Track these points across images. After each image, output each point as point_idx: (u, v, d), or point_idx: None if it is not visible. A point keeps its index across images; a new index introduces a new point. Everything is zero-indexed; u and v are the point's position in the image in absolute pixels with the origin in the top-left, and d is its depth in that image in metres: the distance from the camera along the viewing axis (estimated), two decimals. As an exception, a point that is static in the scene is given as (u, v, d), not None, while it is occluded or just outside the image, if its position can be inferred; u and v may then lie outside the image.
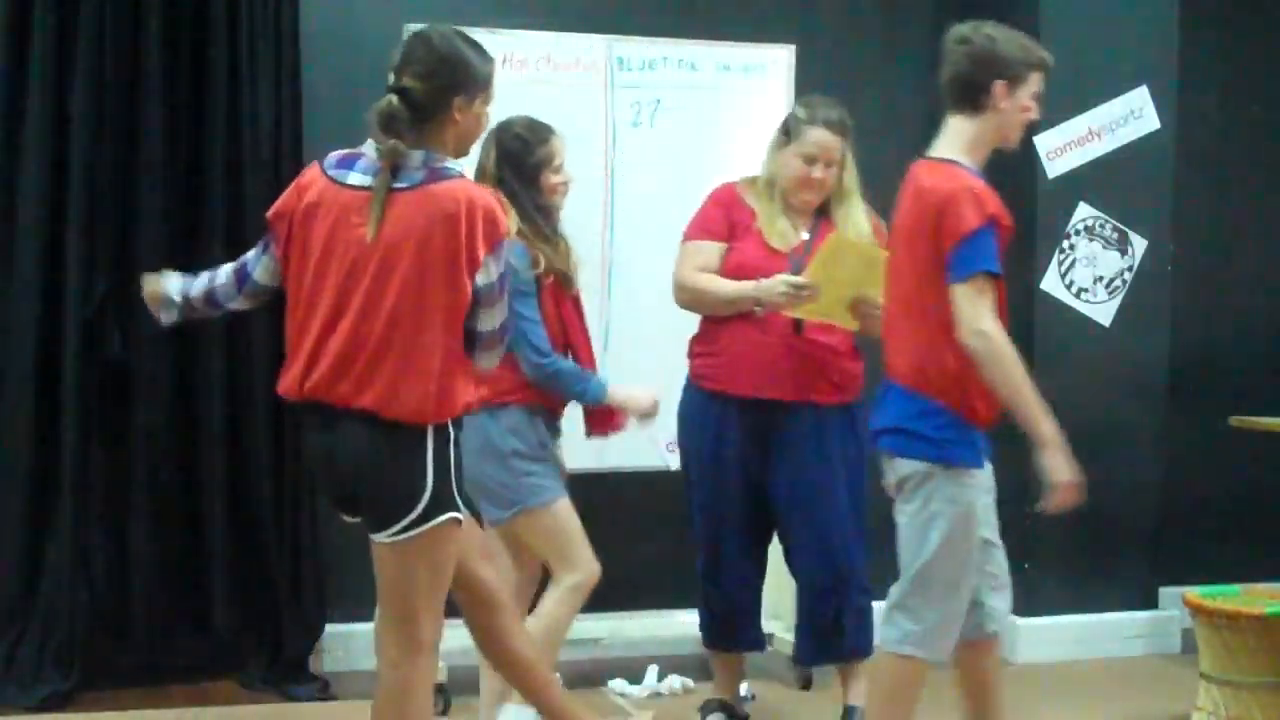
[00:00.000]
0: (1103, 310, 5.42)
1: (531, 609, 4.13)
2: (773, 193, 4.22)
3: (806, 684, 4.98)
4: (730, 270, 4.17)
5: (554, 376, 3.97)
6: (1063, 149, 5.33)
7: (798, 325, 4.12)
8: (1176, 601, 4.78)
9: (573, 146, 4.18)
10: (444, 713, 4.61)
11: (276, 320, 4.86)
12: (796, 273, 4.05)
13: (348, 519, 3.30)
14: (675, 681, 4.95)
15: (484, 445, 3.90)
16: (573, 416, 4.17)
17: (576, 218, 4.22)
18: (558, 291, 4.04)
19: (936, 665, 3.62)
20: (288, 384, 3.20)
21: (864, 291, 4.02)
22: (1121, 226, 5.43)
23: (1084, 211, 5.39)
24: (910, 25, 5.71)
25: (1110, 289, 5.42)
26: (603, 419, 4.15)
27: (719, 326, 4.21)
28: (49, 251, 4.76)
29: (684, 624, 4.85)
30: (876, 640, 3.63)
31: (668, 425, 4.40)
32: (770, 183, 4.24)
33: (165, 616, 4.91)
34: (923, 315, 3.48)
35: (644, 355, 4.65)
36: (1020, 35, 3.59)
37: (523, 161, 4.03)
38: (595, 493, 4.32)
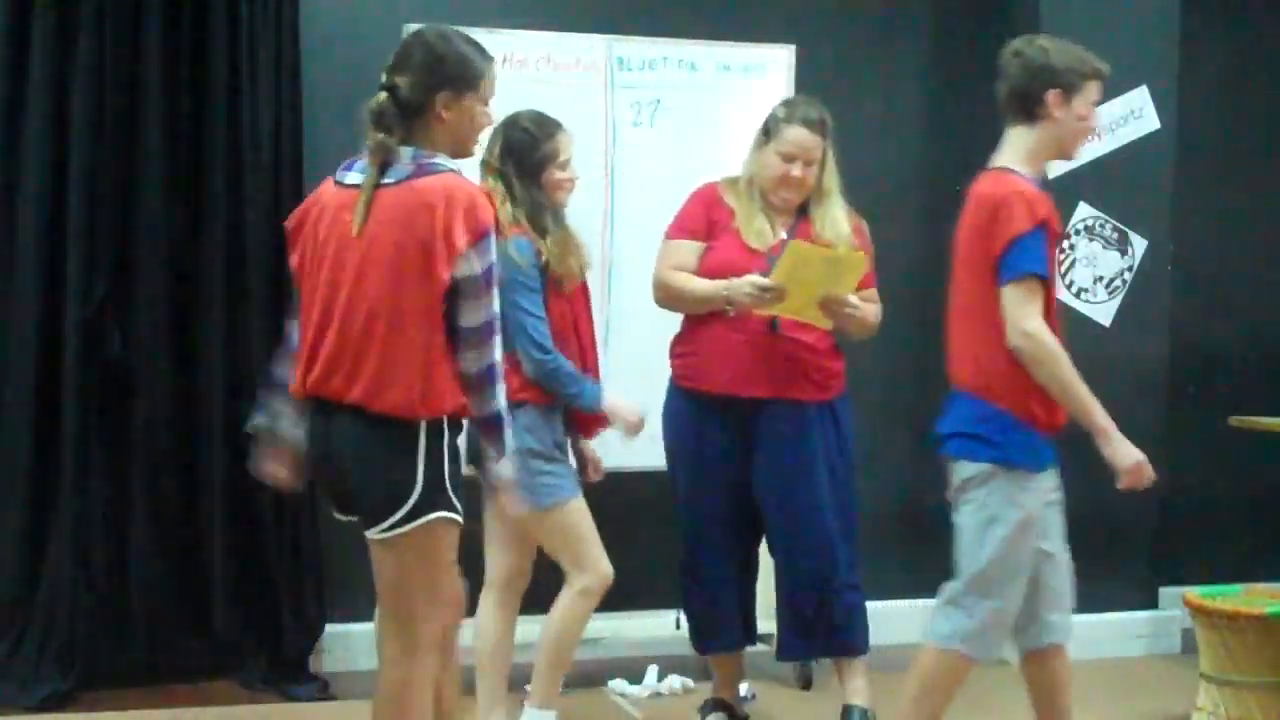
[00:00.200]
0: (1103, 310, 5.42)
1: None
2: (752, 192, 4.24)
3: (806, 684, 4.98)
4: (708, 269, 4.19)
5: (553, 374, 3.97)
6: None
7: (772, 323, 4.14)
8: (1176, 601, 4.79)
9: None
10: (444, 713, 4.61)
11: (276, 320, 4.90)
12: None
13: (341, 518, 3.30)
14: (675, 681, 4.95)
15: None
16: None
17: (576, 218, 4.22)
18: (558, 288, 4.03)
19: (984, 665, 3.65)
20: (294, 382, 3.24)
21: (833, 291, 4.05)
22: (1121, 226, 5.43)
23: (1084, 211, 5.40)
24: (910, 26, 5.71)
25: (1110, 289, 5.43)
26: (590, 421, 4.16)
27: (698, 326, 4.23)
28: (49, 252, 4.77)
29: (685, 624, 4.85)
30: (935, 635, 3.62)
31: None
32: (750, 182, 4.26)
33: (165, 616, 4.91)
34: (981, 320, 3.54)
35: (643, 355, 4.65)
36: (1075, 46, 3.64)
37: (527, 156, 4.02)
38: (595, 492, 4.31)
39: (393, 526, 3.10)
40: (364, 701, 3.43)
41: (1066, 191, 5.36)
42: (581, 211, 4.36)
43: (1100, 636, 5.41)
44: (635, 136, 5.00)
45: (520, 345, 3.90)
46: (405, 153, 3.13)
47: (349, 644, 5.04)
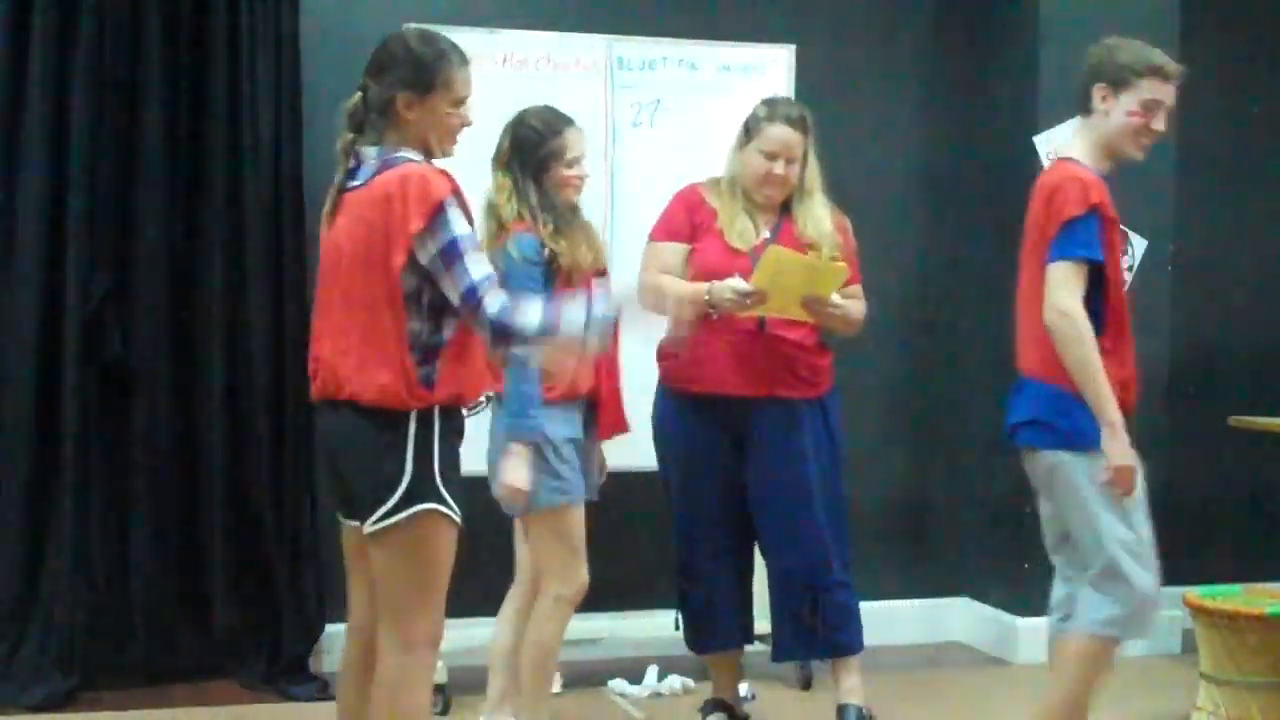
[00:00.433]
0: (1103, 310, 5.42)
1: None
2: (735, 192, 4.25)
3: (807, 684, 4.98)
4: (693, 271, 4.19)
5: (517, 375, 3.81)
6: (1063, 149, 5.31)
7: (760, 322, 4.14)
8: (1176, 601, 4.78)
9: (573, 146, 4.18)
10: (444, 713, 4.61)
11: (277, 320, 4.91)
12: None
13: (346, 521, 3.31)
14: (675, 681, 4.95)
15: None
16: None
17: (577, 217, 4.22)
18: (568, 283, 4.00)
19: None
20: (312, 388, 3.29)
21: (814, 291, 4.07)
22: (1121, 227, 5.42)
23: (1084, 211, 5.39)
24: (909, 26, 5.71)
25: (1110, 289, 5.42)
26: (607, 424, 4.14)
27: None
28: (49, 251, 4.77)
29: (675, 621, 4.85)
30: (1089, 622, 3.62)
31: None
32: (732, 182, 4.26)
33: (165, 616, 4.91)
34: (1042, 305, 3.59)
35: (643, 355, 4.64)
36: (1143, 45, 3.68)
37: (532, 153, 4.00)
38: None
39: (382, 519, 3.10)
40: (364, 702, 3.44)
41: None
42: (582, 211, 4.36)
43: (1100, 636, 5.41)
44: (635, 136, 5.00)
45: None
46: (371, 152, 3.18)
47: (349, 644, 5.03)
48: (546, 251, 3.92)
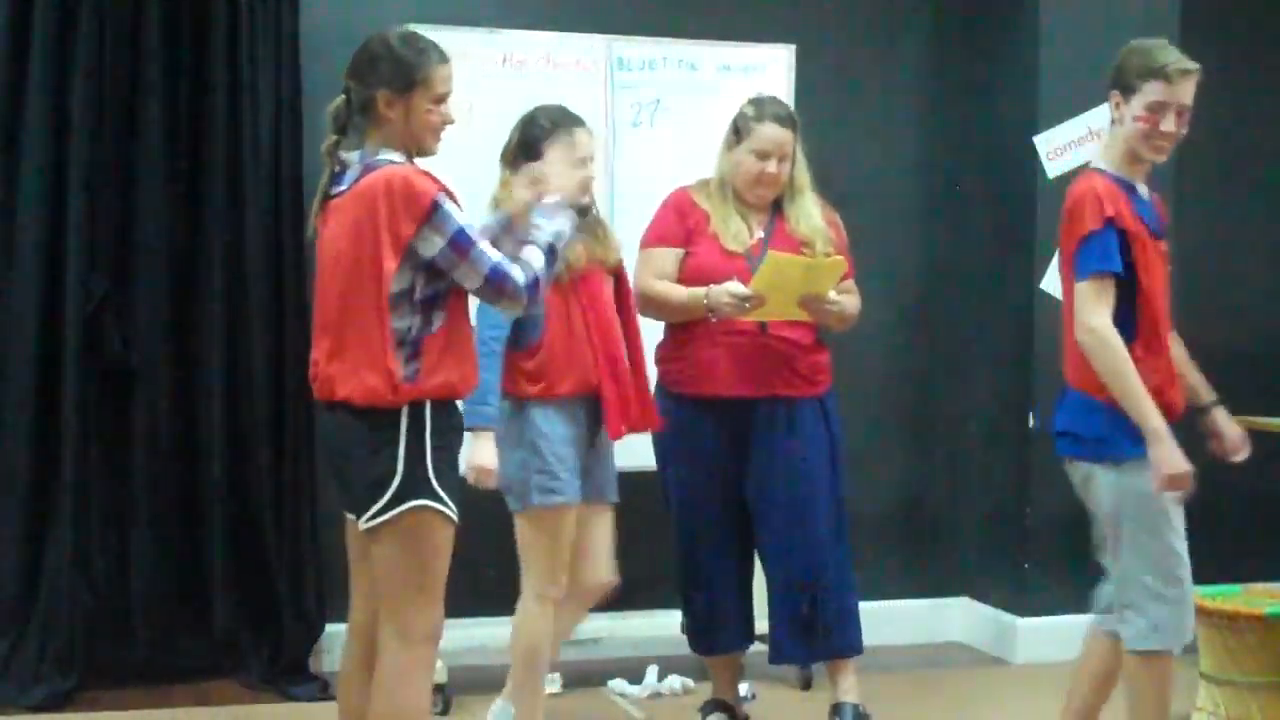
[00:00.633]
0: (1102, 310, 5.41)
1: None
2: (725, 194, 4.25)
3: (807, 684, 4.98)
4: (689, 274, 4.19)
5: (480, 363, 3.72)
6: (1063, 149, 5.32)
7: (762, 324, 4.14)
8: (1176, 601, 4.79)
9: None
10: (444, 713, 4.61)
11: (277, 320, 4.91)
12: (754, 272, 4.07)
13: (349, 517, 3.33)
14: (675, 681, 4.95)
15: (507, 435, 3.91)
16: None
17: (577, 218, 4.21)
18: (574, 286, 3.98)
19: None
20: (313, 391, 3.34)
21: (813, 289, 4.08)
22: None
23: (1084, 211, 5.39)
24: (910, 26, 5.71)
25: (1110, 289, 5.42)
26: (639, 419, 4.11)
27: (684, 330, 4.23)
28: (49, 251, 4.77)
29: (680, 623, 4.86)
30: (1129, 642, 3.65)
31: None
32: (723, 184, 4.26)
33: (165, 616, 4.91)
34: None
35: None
36: (1156, 47, 3.66)
37: (538, 150, 3.98)
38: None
39: (375, 515, 3.14)
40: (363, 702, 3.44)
41: (1066, 191, 5.36)
42: (595, 209, 4.36)
43: (1100, 636, 5.41)
44: (635, 136, 5.00)
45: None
46: (354, 157, 3.23)
47: (349, 644, 5.03)
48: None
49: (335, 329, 3.18)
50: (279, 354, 4.90)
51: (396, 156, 3.21)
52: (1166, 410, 3.58)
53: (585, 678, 4.94)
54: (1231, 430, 3.86)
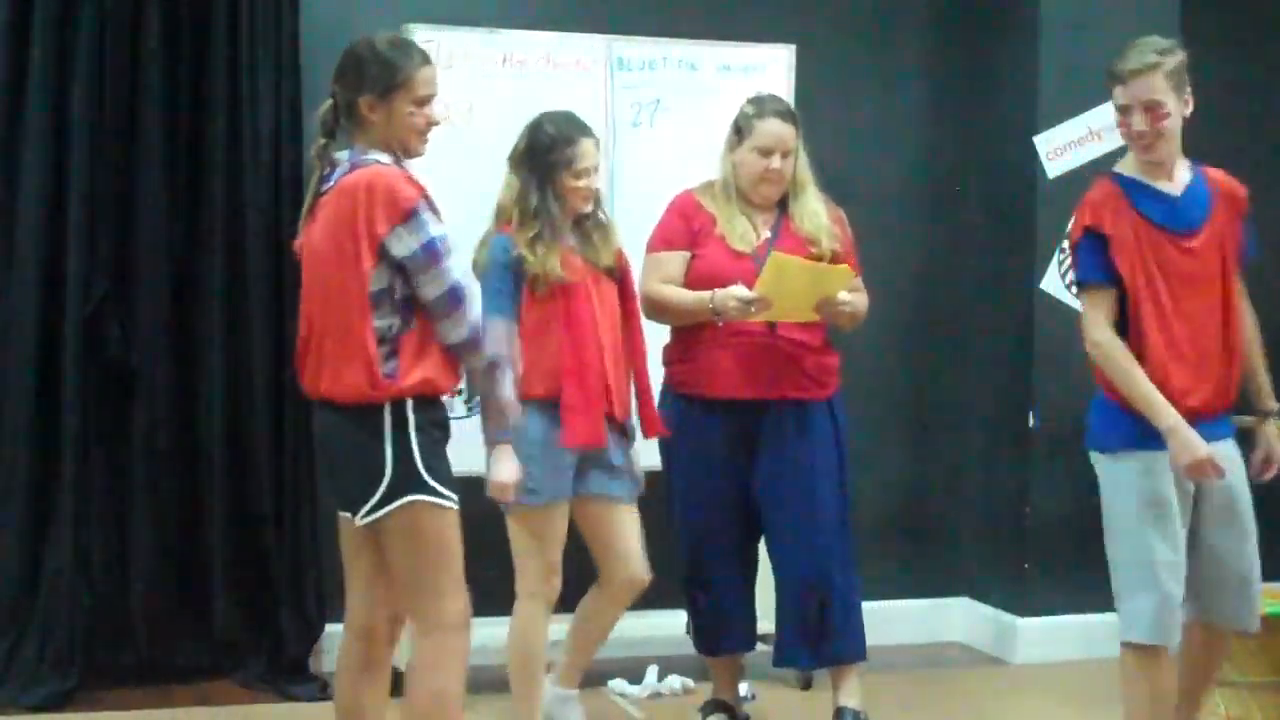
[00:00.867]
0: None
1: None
2: (730, 195, 4.25)
3: (807, 684, 4.98)
4: (697, 277, 4.19)
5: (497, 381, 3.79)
6: (1063, 149, 5.33)
7: (772, 324, 4.14)
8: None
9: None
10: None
11: (276, 320, 4.91)
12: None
13: (344, 515, 3.35)
14: (675, 681, 4.95)
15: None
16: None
17: (577, 218, 4.21)
18: (533, 289, 3.97)
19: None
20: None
21: (821, 292, 4.07)
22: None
23: (1084, 211, 5.39)
24: (909, 26, 5.71)
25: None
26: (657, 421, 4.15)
27: (692, 332, 4.22)
28: (49, 252, 4.77)
29: (684, 624, 4.85)
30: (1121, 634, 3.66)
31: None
32: (726, 185, 4.26)
33: (165, 616, 4.91)
34: None
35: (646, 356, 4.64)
36: (1129, 45, 3.72)
37: (541, 158, 4.00)
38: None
39: (369, 512, 3.18)
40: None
41: (1066, 191, 5.36)
42: (603, 213, 4.36)
43: (1100, 636, 5.38)
44: (635, 136, 5.00)
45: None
46: (343, 155, 3.26)
47: (349, 644, 5.03)
48: (515, 254, 3.92)
49: (321, 326, 3.23)
50: (279, 354, 4.89)
51: (384, 157, 3.24)
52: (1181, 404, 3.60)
53: (585, 677, 4.92)
54: (1274, 450, 3.85)
